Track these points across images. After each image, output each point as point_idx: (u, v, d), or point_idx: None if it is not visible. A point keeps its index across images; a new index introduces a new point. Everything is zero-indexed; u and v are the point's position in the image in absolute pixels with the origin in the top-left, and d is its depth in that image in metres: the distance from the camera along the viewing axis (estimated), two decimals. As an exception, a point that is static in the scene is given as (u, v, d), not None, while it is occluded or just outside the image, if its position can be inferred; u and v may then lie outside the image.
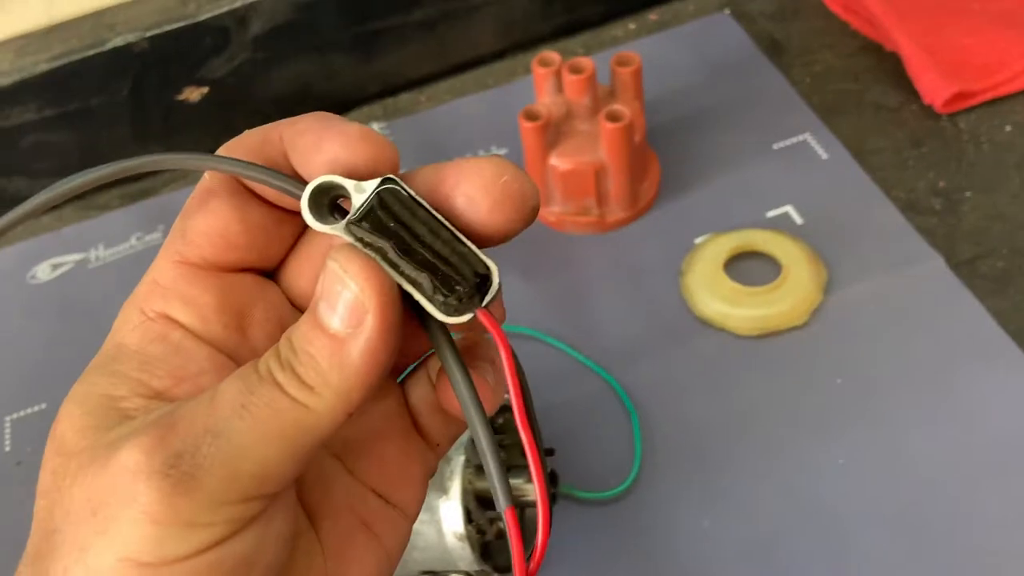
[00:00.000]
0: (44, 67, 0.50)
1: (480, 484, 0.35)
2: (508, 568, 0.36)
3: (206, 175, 0.21)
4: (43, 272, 0.53)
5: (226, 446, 0.18)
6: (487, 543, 0.36)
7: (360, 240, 0.19)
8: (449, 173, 0.20)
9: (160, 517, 0.18)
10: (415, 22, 0.57)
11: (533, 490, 0.34)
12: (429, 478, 0.23)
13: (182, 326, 0.20)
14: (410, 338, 0.21)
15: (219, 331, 0.21)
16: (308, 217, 0.19)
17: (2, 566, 0.42)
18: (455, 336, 0.20)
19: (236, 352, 0.21)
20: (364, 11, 0.55)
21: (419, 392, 0.22)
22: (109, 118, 0.54)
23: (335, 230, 0.19)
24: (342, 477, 0.22)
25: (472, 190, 0.19)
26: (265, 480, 0.18)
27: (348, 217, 0.19)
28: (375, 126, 0.57)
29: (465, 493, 0.34)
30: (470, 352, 0.21)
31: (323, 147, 0.20)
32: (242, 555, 0.19)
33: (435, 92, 0.60)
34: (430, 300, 0.19)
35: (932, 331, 0.43)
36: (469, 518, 0.34)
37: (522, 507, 0.37)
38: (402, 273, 0.19)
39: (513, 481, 0.35)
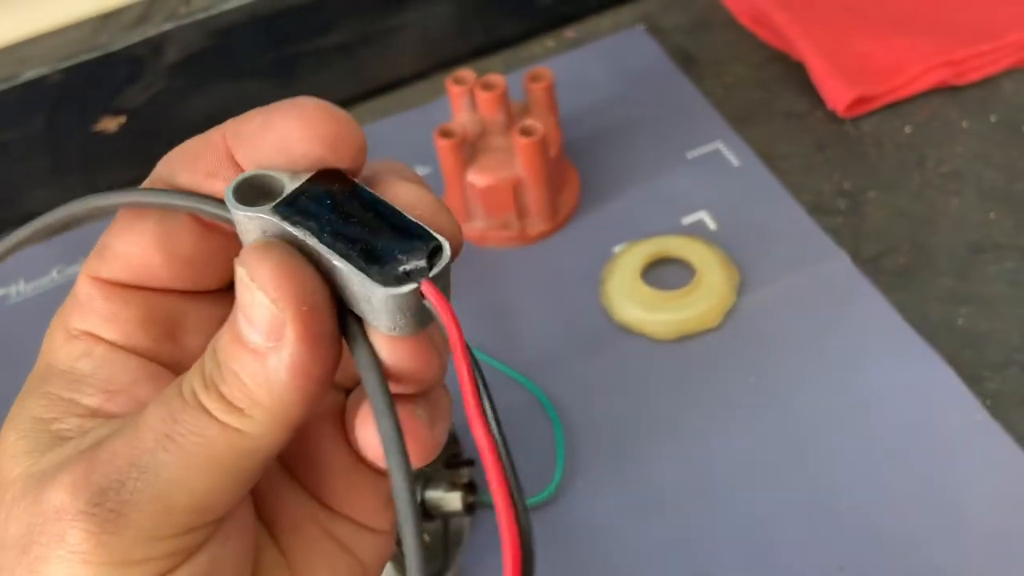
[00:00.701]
0: (-45, 102, 0.50)
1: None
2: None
3: (142, 187, 0.19)
4: (-38, 310, 0.52)
5: (154, 480, 0.17)
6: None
7: (287, 220, 0.17)
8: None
9: (91, 557, 0.17)
10: (333, 45, 0.58)
11: (453, 500, 0.34)
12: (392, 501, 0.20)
13: (106, 341, 0.19)
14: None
15: (148, 343, 0.20)
16: (233, 211, 0.17)
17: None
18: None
19: (172, 360, 0.20)
20: (281, 36, 0.56)
21: (366, 423, 0.20)
22: (26, 151, 0.53)
23: (259, 213, 0.17)
24: (295, 490, 0.20)
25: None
26: (204, 511, 0.17)
27: (275, 202, 0.17)
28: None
29: (383, 507, 0.34)
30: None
31: (274, 125, 0.18)
32: None
33: (357, 114, 0.61)
34: (366, 273, 0.16)
35: (839, 326, 0.45)
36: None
37: (444, 518, 0.38)
38: (335, 250, 0.17)
39: (432, 493, 0.36)
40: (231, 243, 0.19)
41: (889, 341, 0.44)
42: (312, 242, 0.17)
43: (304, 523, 0.20)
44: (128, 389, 0.19)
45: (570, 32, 0.63)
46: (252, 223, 0.17)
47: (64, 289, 0.52)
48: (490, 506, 0.40)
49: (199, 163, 0.19)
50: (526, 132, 0.47)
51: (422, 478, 0.36)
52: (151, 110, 0.55)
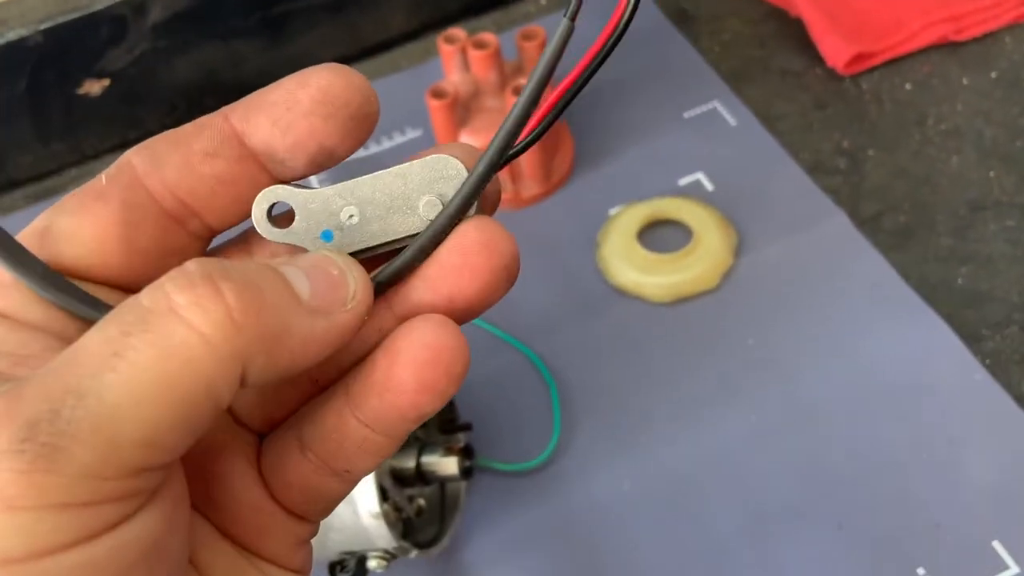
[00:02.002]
0: (-67, 65, 0.49)
1: (395, 463, 0.35)
2: (429, 544, 0.36)
3: (103, 176, 0.17)
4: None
5: (96, 407, 0.14)
6: (408, 520, 0.36)
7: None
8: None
9: (20, 501, 0.14)
10: (323, 4, 0.56)
11: (450, 464, 0.34)
12: (310, 538, 0.19)
13: (8, 316, 0.17)
14: (280, 386, 0.19)
15: (68, 328, 0.17)
16: (265, 230, 0.17)
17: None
18: None
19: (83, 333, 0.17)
20: (267, -5, 0.54)
21: (282, 464, 0.18)
22: (8, 116, 0.52)
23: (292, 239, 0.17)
24: (210, 532, 0.18)
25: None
26: (154, 447, 0.15)
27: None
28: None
29: (380, 472, 0.34)
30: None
31: (311, 80, 0.17)
32: (139, 547, 0.15)
33: (348, 75, 0.59)
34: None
35: (838, 286, 0.44)
36: (385, 496, 0.34)
37: (441, 483, 0.38)
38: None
39: (428, 458, 0.35)
40: (192, 243, 0.18)
41: (888, 301, 0.43)
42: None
43: (221, 560, 0.18)
44: (40, 354, 0.16)
45: (564, -11, 0.62)
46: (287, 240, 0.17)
47: None
48: (485, 470, 0.40)
49: (193, 143, 0.17)
50: (519, 92, 0.46)
51: (418, 444, 0.36)
52: (135, 72, 0.53)
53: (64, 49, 0.51)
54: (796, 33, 0.55)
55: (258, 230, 0.17)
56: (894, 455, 0.39)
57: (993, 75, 0.52)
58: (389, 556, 0.34)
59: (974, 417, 0.40)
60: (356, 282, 0.17)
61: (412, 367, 0.17)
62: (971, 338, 0.42)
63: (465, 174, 0.17)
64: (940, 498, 0.38)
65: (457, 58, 0.48)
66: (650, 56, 0.56)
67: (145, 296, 0.15)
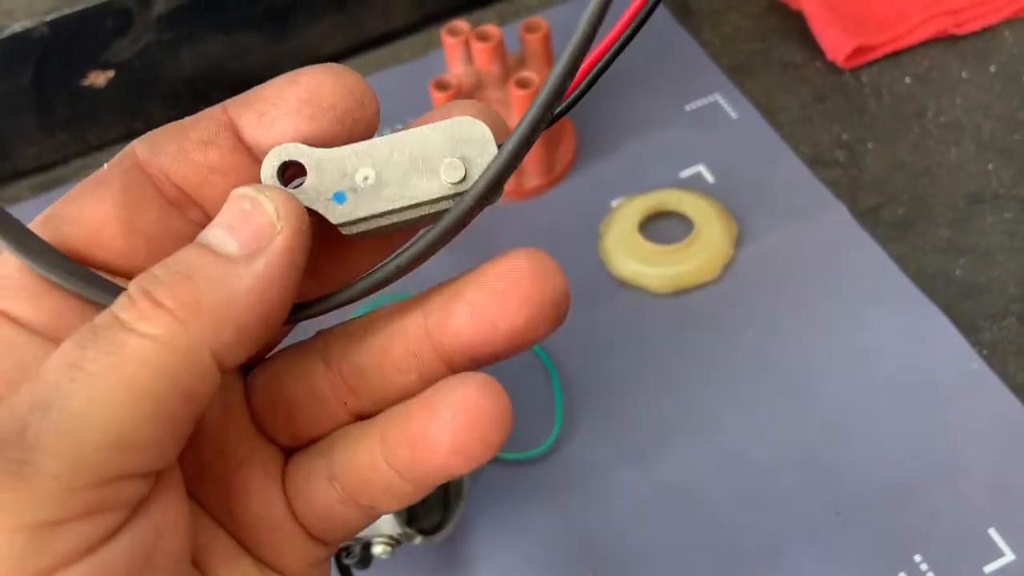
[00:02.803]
0: (-62, 56, 0.49)
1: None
2: (434, 531, 0.37)
3: (106, 165, 0.18)
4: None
5: (58, 416, 0.14)
6: (412, 507, 0.36)
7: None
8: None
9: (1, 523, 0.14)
10: (325, -3, 0.57)
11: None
12: (326, 560, 0.19)
13: (25, 325, 0.16)
14: (308, 401, 0.18)
15: (68, 325, 0.17)
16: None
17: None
18: None
19: None
20: (272, -13, 0.55)
21: (308, 488, 0.18)
22: (12, 107, 0.53)
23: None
24: (226, 542, 0.18)
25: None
26: (125, 448, 0.15)
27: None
28: (291, 104, 0.57)
29: (384, 459, 0.34)
30: None
31: (300, 80, 0.17)
32: (128, 566, 0.15)
33: (350, 67, 0.60)
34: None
35: (838, 277, 0.45)
36: (390, 484, 0.34)
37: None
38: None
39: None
40: (193, 230, 0.17)
41: (887, 292, 0.44)
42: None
43: (233, 561, 0.18)
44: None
45: (566, -18, 0.62)
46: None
47: (57, 247, 0.52)
48: (497, 461, 0.41)
49: (190, 132, 0.17)
50: (522, 84, 0.47)
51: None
52: (140, 64, 0.54)
53: (69, 41, 0.51)
54: (796, 27, 0.56)
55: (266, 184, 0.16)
56: (892, 443, 0.40)
57: (992, 69, 0.52)
58: (394, 542, 0.34)
59: (971, 406, 0.40)
60: (272, 202, 0.16)
61: (449, 429, 0.16)
62: (968, 329, 0.42)
63: (491, 137, 0.16)
64: (937, 486, 0.38)
65: (460, 50, 0.49)
66: (652, 49, 0.56)
67: (97, 319, 0.15)
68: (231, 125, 0.17)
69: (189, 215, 0.18)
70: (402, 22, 0.60)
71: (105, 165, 0.18)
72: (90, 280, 0.16)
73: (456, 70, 0.49)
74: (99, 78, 0.53)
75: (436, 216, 0.17)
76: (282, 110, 0.17)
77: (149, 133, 0.18)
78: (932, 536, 0.37)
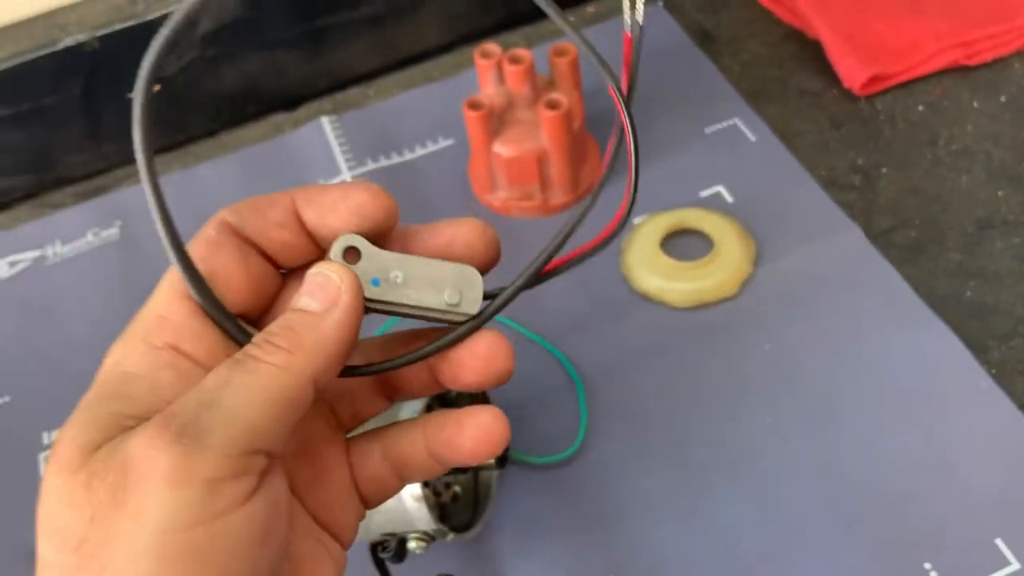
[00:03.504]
0: (-4, 68, 0.51)
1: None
2: (464, 528, 0.39)
3: (208, 226, 0.24)
4: (1, 270, 0.54)
5: (219, 411, 0.21)
6: (443, 505, 0.38)
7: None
8: (445, 227, 0.25)
9: (181, 479, 0.20)
10: (362, 18, 0.59)
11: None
12: (360, 521, 0.27)
13: (189, 357, 0.23)
14: (364, 398, 0.27)
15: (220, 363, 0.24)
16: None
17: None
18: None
19: None
20: (311, 7, 0.57)
21: (366, 460, 0.27)
22: (62, 117, 0.55)
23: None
24: (299, 509, 0.25)
25: (470, 237, 0.25)
26: (258, 433, 0.21)
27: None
28: (325, 120, 0.59)
29: (420, 458, 0.36)
30: None
31: (351, 196, 0.24)
32: (261, 520, 0.21)
33: (383, 86, 0.62)
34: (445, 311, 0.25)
35: (852, 297, 0.46)
36: (425, 482, 0.36)
37: (475, 472, 0.40)
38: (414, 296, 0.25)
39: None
40: (274, 275, 0.25)
41: (899, 311, 0.46)
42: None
43: (301, 533, 0.25)
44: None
45: (591, 8, 0.65)
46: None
47: (100, 252, 0.54)
48: (515, 462, 0.42)
49: (269, 215, 0.24)
50: (552, 105, 0.49)
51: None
52: (184, 79, 0.56)
53: (119, 55, 0.53)
54: (813, 55, 0.58)
55: (333, 260, 0.24)
56: (903, 457, 0.41)
57: (1003, 99, 0.54)
58: (428, 538, 0.36)
59: (979, 423, 0.42)
60: (336, 274, 0.23)
61: (471, 441, 0.25)
62: (978, 348, 0.44)
63: (480, 283, 0.25)
64: (946, 499, 0.40)
65: (492, 72, 0.51)
66: (673, 73, 0.58)
67: (236, 355, 0.23)
68: (296, 214, 0.25)
69: (272, 269, 0.25)
70: (433, 43, 0.63)
71: (209, 229, 0.24)
72: (236, 325, 0.24)
73: (488, 90, 0.51)
74: (145, 91, 0.56)
75: (429, 319, 0.25)
76: (337, 215, 0.24)
77: (232, 207, 0.25)
78: (941, 545, 0.38)
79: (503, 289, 0.25)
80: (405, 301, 0.24)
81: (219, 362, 0.23)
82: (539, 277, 0.26)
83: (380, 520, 0.36)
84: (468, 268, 0.24)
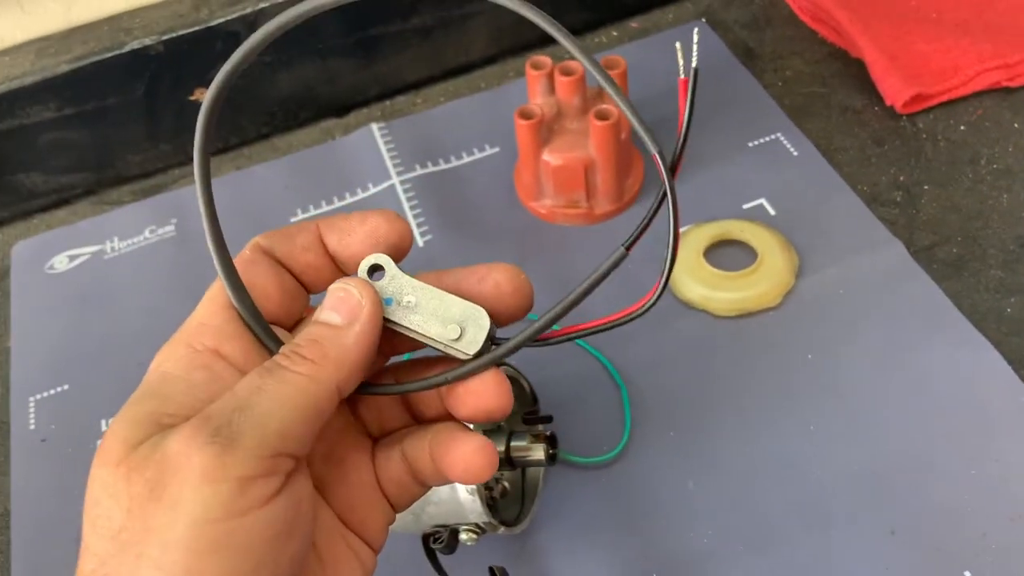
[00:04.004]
0: (65, 68, 0.53)
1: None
2: (513, 523, 0.40)
3: (245, 250, 0.27)
4: (60, 263, 0.56)
5: (251, 415, 0.23)
6: (493, 499, 0.39)
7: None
8: (480, 267, 0.27)
9: (216, 475, 0.22)
10: (413, 28, 0.61)
11: (538, 450, 0.37)
12: (389, 525, 0.29)
13: (226, 359, 0.25)
14: (389, 411, 0.29)
15: (254, 367, 0.25)
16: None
17: (30, 531, 0.45)
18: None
19: None
20: (366, 18, 0.59)
21: (388, 465, 0.28)
22: (124, 117, 0.57)
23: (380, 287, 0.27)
24: (326, 510, 0.27)
25: (500, 278, 0.27)
26: (287, 437, 0.23)
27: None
28: (374, 127, 0.60)
29: (474, 453, 0.37)
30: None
31: (368, 220, 0.27)
32: (286, 516, 0.23)
33: (430, 95, 0.64)
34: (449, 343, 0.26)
35: (893, 311, 0.47)
36: (478, 475, 0.37)
37: (523, 467, 0.41)
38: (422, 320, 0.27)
39: (516, 443, 0.39)
40: (302, 293, 0.28)
41: (940, 326, 0.46)
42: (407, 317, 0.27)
43: (328, 534, 0.26)
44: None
45: (634, 23, 0.66)
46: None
47: (156, 248, 0.56)
48: (561, 461, 0.43)
49: (296, 240, 0.27)
50: (601, 116, 0.50)
51: (507, 431, 0.39)
52: (241, 83, 0.58)
53: (181, 59, 0.55)
54: (856, 73, 0.59)
55: (359, 275, 0.26)
56: (944, 468, 0.42)
57: (1044, 120, 0.55)
58: (479, 531, 0.37)
59: (1020, 436, 0.42)
60: (357, 290, 0.25)
61: (462, 463, 0.27)
62: (1018, 363, 0.45)
63: (486, 327, 0.26)
64: (986, 509, 0.40)
65: (543, 82, 0.52)
66: (716, 88, 0.60)
67: (267, 364, 0.25)
68: (321, 239, 0.27)
69: (300, 287, 0.28)
70: (480, 55, 0.64)
71: (246, 251, 0.27)
72: (269, 331, 0.26)
73: (538, 100, 0.53)
74: (204, 94, 0.57)
75: (432, 347, 0.27)
76: (353, 240, 0.27)
77: (266, 234, 0.28)
78: (982, 554, 0.39)
79: (521, 332, 0.26)
80: (409, 325, 0.26)
81: (253, 364, 0.25)
82: (545, 341, 0.27)
83: (433, 512, 0.37)
84: (479, 309, 0.26)
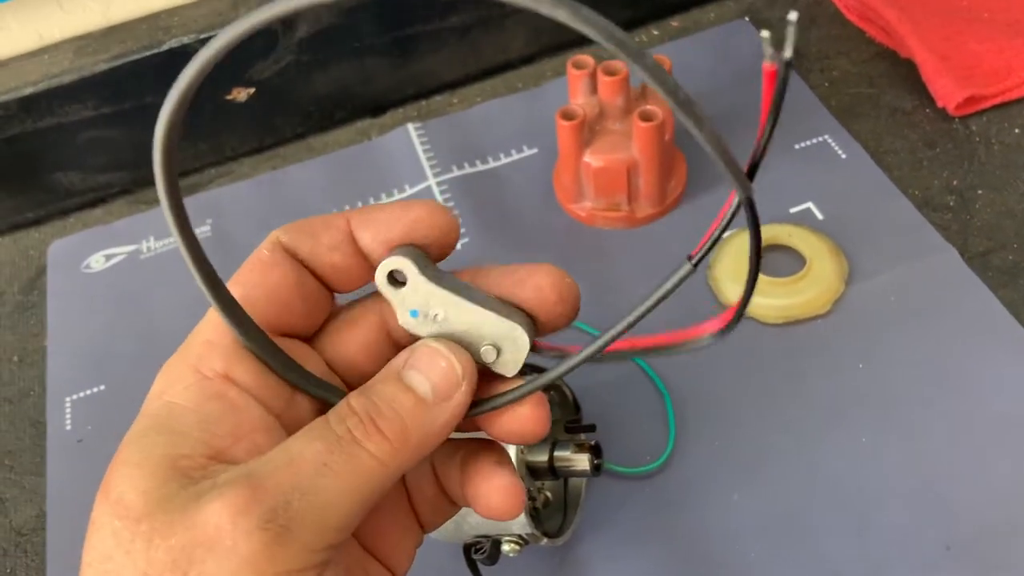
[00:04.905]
0: (103, 67, 0.53)
1: (530, 457, 0.38)
2: (555, 533, 0.39)
3: (263, 248, 0.24)
4: (96, 262, 0.56)
5: (315, 501, 0.20)
6: (535, 509, 0.38)
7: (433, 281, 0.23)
8: (520, 268, 0.24)
9: (262, 567, 0.19)
10: (451, 27, 0.60)
11: (582, 460, 0.36)
12: (417, 547, 0.26)
13: (239, 385, 0.22)
14: None
15: (271, 392, 0.23)
16: (381, 284, 0.23)
17: (66, 532, 0.45)
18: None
19: (283, 413, 0.23)
20: (403, 16, 0.58)
21: (420, 483, 0.26)
22: (160, 116, 0.56)
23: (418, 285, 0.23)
24: (352, 541, 0.24)
25: (543, 282, 0.23)
26: (344, 531, 0.21)
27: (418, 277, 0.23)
28: (411, 127, 0.60)
29: (518, 463, 0.36)
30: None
31: (411, 211, 0.23)
32: None
33: (467, 94, 0.63)
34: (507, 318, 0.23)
35: (947, 319, 0.46)
36: (521, 485, 0.36)
37: (566, 477, 0.40)
38: (479, 303, 0.23)
39: (561, 453, 0.38)
40: (326, 295, 0.25)
41: (996, 335, 0.45)
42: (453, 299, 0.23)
43: (353, 567, 0.24)
44: (249, 435, 0.22)
45: (675, 22, 0.65)
46: (402, 296, 0.23)
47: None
48: (607, 472, 0.42)
49: (322, 237, 0.24)
50: (646, 117, 0.49)
51: (550, 440, 0.38)
52: (278, 82, 0.57)
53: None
54: (905, 73, 0.57)
55: (377, 282, 0.23)
56: (1000, 483, 0.40)
57: (1103, 123, 0.53)
58: (522, 542, 0.36)
59: (1083, 452, 0.41)
60: (461, 366, 0.22)
61: (484, 500, 0.24)
62: (1080, 376, 0.43)
63: (526, 348, 0.23)
64: (1047, 528, 0.39)
65: (585, 82, 0.51)
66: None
67: (336, 425, 0.21)
68: (351, 236, 0.23)
69: (324, 290, 0.24)
70: (517, 54, 0.63)
71: (263, 249, 0.24)
72: (312, 381, 0.23)
73: (579, 100, 0.52)
74: (240, 93, 0.57)
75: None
76: (395, 234, 0.23)
77: (287, 227, 0.24)
78: (1044, 575, 0.37)
79: (560, 355, 0.23)
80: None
81: (268, 388, 0.22)
82: (601, 356, 0.23)
83: (475, 522, 0.36)
84: (516, 328, 0.23)
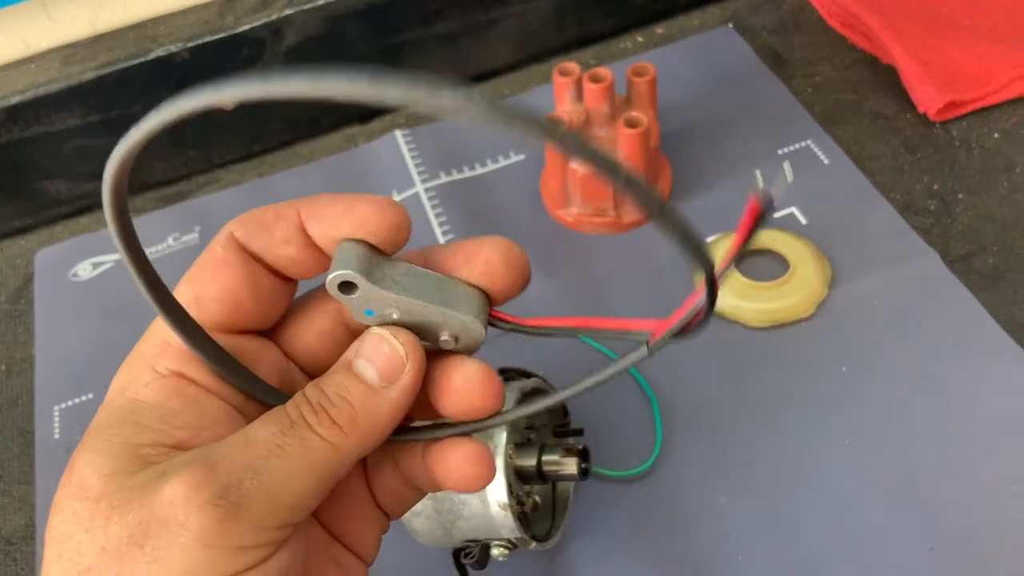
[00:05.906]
0: (90, 75, 0.53)
1: (519, 461, 0.38)
2: (544, 537, 0.39)
3: (216, 243, 0.23)
4: (84, 271, 0.56)
5: (267, 480, 0.21)
6: (524, 514, 0.38)
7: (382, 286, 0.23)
8: (467, 245, 0.24)
9: (212, 541, 0.20)
10: (437, 35, 0.60)
11: (570, 464, 0.37)
12: (383, 534, 0.27)
13: (195, 382, 0.23)
14: None
15: (228, 388, 0.23)
16: (333, 292, 0.23)
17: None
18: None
19: (243, 405, 0.24)
20: (391, 24, 0.58)
21: (379, 472, 0.26)
22: (148, 124, 0.57)
23: (377, 289, 0.23)
24: (315, 527, 0.25)
25: (492, 256, 0.23)
26: (297, 509, 0.21)
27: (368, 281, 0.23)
28: (398, 133, 0.60)
29: (507, 468, 0.36)
30: None
31: (355, 211, 0.23)
32: (277, 573, 0.22)
33: (454, 101, 0.63)
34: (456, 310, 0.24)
35: (929, 322, 0.46)
36: (510, 490, 0.36)
37: (554, 481, 0.40)
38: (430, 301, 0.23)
39: (549, 457, 0.38)
40: (285, 289, 0.25)
41: (977, 338, 0.45)
42: (408, 299, 0.23)
43: (317, 551, 0.25)
44: (211, 427, 0.23)
45: (660, 28, 0.65)
46: (357, 300, 0.23)
47: (180, 256, 0.55)
48: (595, 476, 0.43)
49: (275, 231, 0.23)
50: (631, 124, 0.49)
51: (536, 444, 0.39)
52: (265, 90, 0.57)
53: (207, 66, 0.55)
54: (886, 79, 0.58)
55: (329, 290, 0.23)
56: (982, 483, 0.41)
57: (1081, 128, 0.54)
58: (511, 546, 0.37)
59: (1062, 452, 0.41)
60: (404, 348, 0.23)
61: (457, 471, 0.24)
62: (1059, 377, 0.44)
63: (482, 336, 0.23)
64: (1028, 527, 0.39)
65: (570, 89, 0.51)
66: (744, 94, 0.59)
67: (291, 411, 0.22)
68: (301, 229, 0.23)
69: (282, 282, 0.25)
70: (504, 61, 0.64)
71: (216, 246, 0.23)
72: (259, 386, 0.24)
73: (565, 107, 0.52)
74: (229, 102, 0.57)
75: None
76: (339, 230, 0.23)
77: (239, 220, 0.24)
78: (1022, 572, 0.38)
79: (517, 327, 0.24)
80: None
81: (224, 388, 0.23)
82: (551, 331, 0.24)
83: (464, 527, 0.36)
84: (468, 318, 0.23)
